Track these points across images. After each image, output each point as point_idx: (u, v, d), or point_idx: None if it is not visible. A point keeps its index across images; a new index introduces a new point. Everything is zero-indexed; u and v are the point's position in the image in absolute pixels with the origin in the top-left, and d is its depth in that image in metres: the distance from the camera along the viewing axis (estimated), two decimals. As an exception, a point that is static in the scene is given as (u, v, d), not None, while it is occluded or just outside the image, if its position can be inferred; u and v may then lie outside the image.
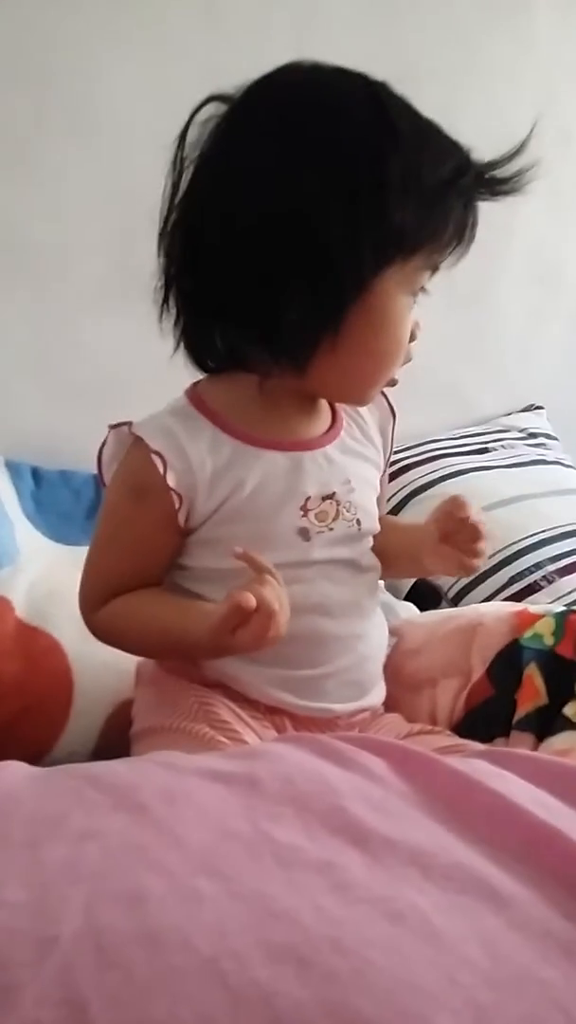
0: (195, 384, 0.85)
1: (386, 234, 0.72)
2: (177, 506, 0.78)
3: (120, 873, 0.48)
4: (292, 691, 0.83)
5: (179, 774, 0.57)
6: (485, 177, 0.75)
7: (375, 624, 0.90)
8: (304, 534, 0.81)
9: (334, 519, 0.83)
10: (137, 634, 0.81)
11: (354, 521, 0.84)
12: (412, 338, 0.80)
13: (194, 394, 0.83)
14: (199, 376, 0.84)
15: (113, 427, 0.81)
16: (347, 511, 0.84)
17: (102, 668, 0.99)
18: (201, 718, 0.80)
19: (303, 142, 0.71)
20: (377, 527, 0.89)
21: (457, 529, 0.84)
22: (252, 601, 0.69)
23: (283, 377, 0.78)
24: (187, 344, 0.81)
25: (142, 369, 1.19)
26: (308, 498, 0.81)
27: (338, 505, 0.83)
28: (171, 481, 0.77)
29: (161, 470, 0.76)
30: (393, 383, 0.84)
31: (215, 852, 0.50)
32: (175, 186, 0.77)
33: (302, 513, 0.81)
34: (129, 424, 0.80)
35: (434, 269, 0.78)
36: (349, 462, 0.86)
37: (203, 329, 0.80)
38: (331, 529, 0.83)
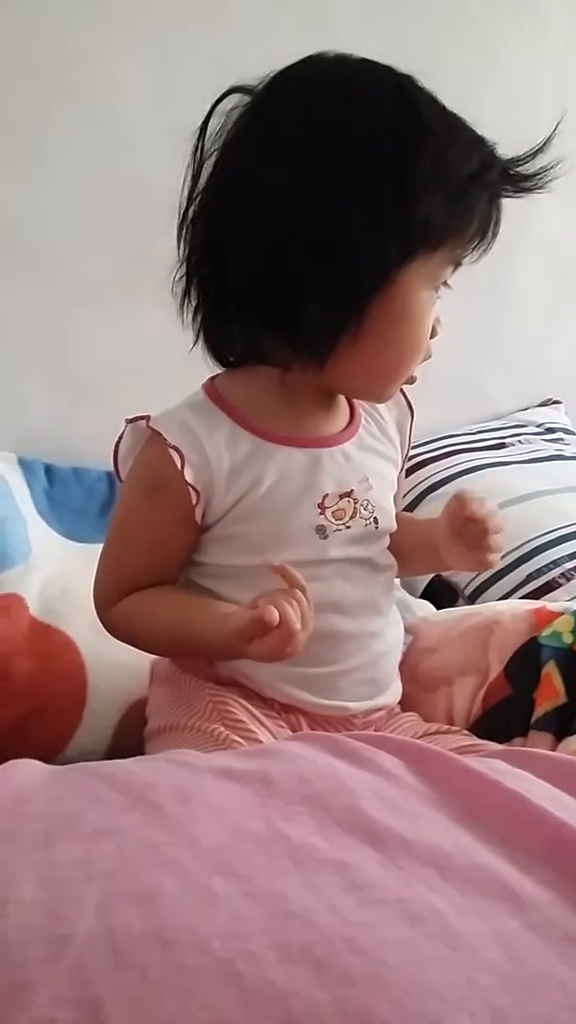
0: (212, 378, 0.84)
1: (411, 227, 0.71)
2: (194, 502, 0.77)
3: (134, 872, 0.48)
4: (308, 688, 0.82)
5: (194, 773, 0.57)
6: (510, 173, 0.75)
7: (390, 623, 0.89)
8: (321, 532, 0.81)
9: (351, 517, 0.82)
10: (152, 632, 0.81)
11: (371, 519, 0.84)
12: (433, 334, 0.79)
13: (211, 388, 0.83)
14: (215, 371, 0.84)
15: (130, 421, 0.81)
16: (364, 509, 0.83)
17: (116, 667, 0.99)
18: (216, 717, 0.80)
19: (328, 133, 0.71)
20: (394, 525, 0.88)
21: (466, 527, 0.83)
22: (276, 617, 0.68)
23: (303, 372, 0.77)
24: (206, 337, 0.80)
25: (155, 364, 1.19)
26: (326, 495, 0.81)
27: (355, 503, 0.82)
28: (189, 476, 0.76)
29: (179, 465, 0.76)
30: (412, 381, 0.83)
31: (230, 851, 0.49)
32: (195, 177, 0.76)
33: (319, 511, 0.81)
34: (147, 418, 0.79)
35: (456, 264, 0.77)
36: (367, 459, 0.85)
37: (223, 321, 0.79)
38: (348, 527, 0.82)
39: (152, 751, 0.83)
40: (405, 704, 0.92)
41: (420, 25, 1.51)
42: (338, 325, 0.73)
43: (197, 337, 0.80)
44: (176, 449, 0.76)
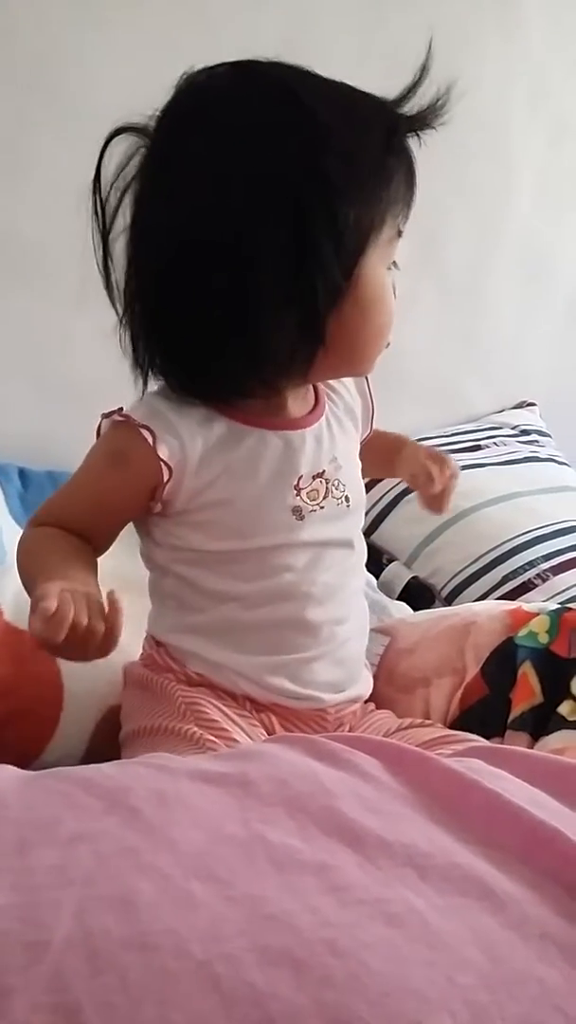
0: None
1: (348, 226, 0.72)
2: (165, 479, 0.78)
3: (112, 877, 0.47)
4: (285, 675, 0.83)
5: (171, 776, 0.57)
6: (410, 118, 0.76)
7: (357, 605, 0.90)
8: (297, 512, 0.82)
9: (324, 497, 0.84)
10: (26, 561, 0.80)
11: (343, 498, 0.85)
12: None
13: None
14: None
15: (105, 415, 0.82)
16: (336, 489, 0.85)
17: (92, 672, 0.98)
18: (189, 718, 0.80)
19: (234, 170, 0.72)
20: (364, 499, 0.90)
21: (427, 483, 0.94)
22: (51, 607, 0.65)
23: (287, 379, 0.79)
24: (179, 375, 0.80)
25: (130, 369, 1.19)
26: (300, 477, 0.82)
27: (327, 483, 0.84)
28: (162, 453, 0.77)
29: (151, 441, 0.77)
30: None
31: (208, 855, 0.49)
32: (104, 236, 0.79)
33: (295, 492, 0.82)
34: (119, 409, 0.81)
35: (399, 232, 0.79)
36: (335, 439, 0.87)
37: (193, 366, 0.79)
38: (322, 507, 0.83)
39: (128, 756, 0.83)
40: (382, 705, 0.92)
41: (400, 25, 1.51)
42: (311, 347, 0.75)
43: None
44: (147, 428, 0.77)
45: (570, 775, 0.59)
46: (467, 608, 1.02)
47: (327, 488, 0.84)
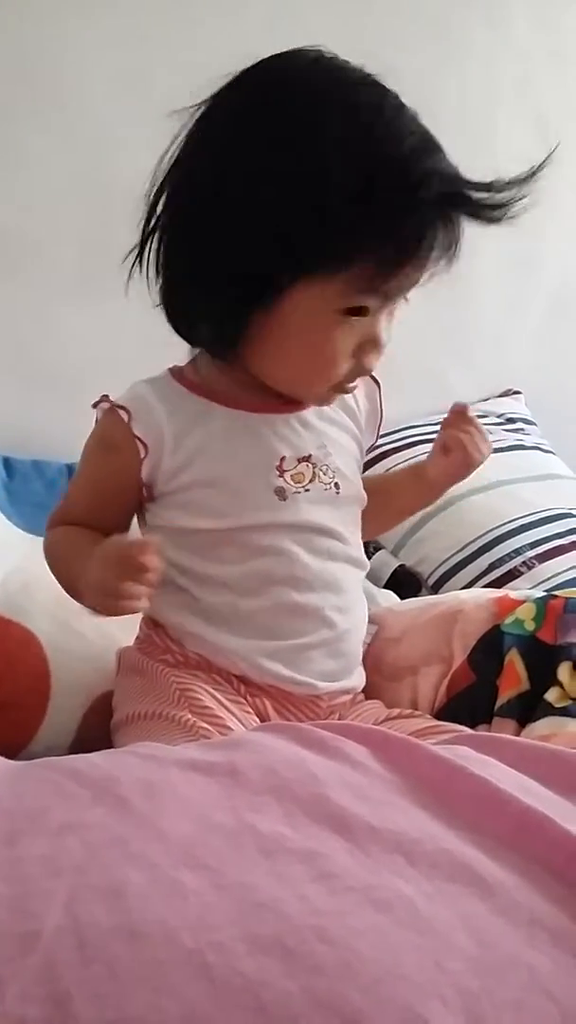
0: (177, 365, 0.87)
1: (287, 250, 0.72)
2: (143, 455, 0.80)
3: (101, 867, 0.47)
4: (282, 661, 0.83)
5: (160, 766, 0.57)
6: (453, 197, 0.73)
7: (356, 600, 0.90)
8: (280, 494, 0.83)
9: (310, 480, 0.85)
10: (55, 567, 0.85)
11: (332, 484, 0.86)
12: (368, 349, 0.78)
13: (174, 368, 0.87)
14: (173, 363, 0.86)
15: (95, 404, 0.84)
16: (324, 474, 0.85)
17: (79, 661, 0.98)
18: (183, 704, 0.80)
19: (256, 135, 0.72)
20: (359, 494, 0.90)
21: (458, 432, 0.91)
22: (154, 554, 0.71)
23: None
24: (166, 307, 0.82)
25: (115, 358, 1.18)
26: (283, 458, 0.83)
27: (314, 467, 0.85)
28: (137, 430, 0.80)
29: (126, 419, 0.80)
30: (346, 390, 0.83)
31: (198, 844, 0.49)
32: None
33: (278, 473, 0.83)
34: (105, 396, 0.83)
35: (378, 292, 0.75)
36: (326, 428, 0.87)
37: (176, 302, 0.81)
38: (307, 490, 0.84)
39: (119, 743, 0.83)
40: (370, 694, 0.92)
41: (386, 19, 1.51)
42: (233, 321, 0.76)
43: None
44: (123, 408, 0.80)
45: (557, 761, 0.59)
46: (454, 596, 1.02)
47: (314, 472, 0.85)
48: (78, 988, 0.40)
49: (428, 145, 0.73)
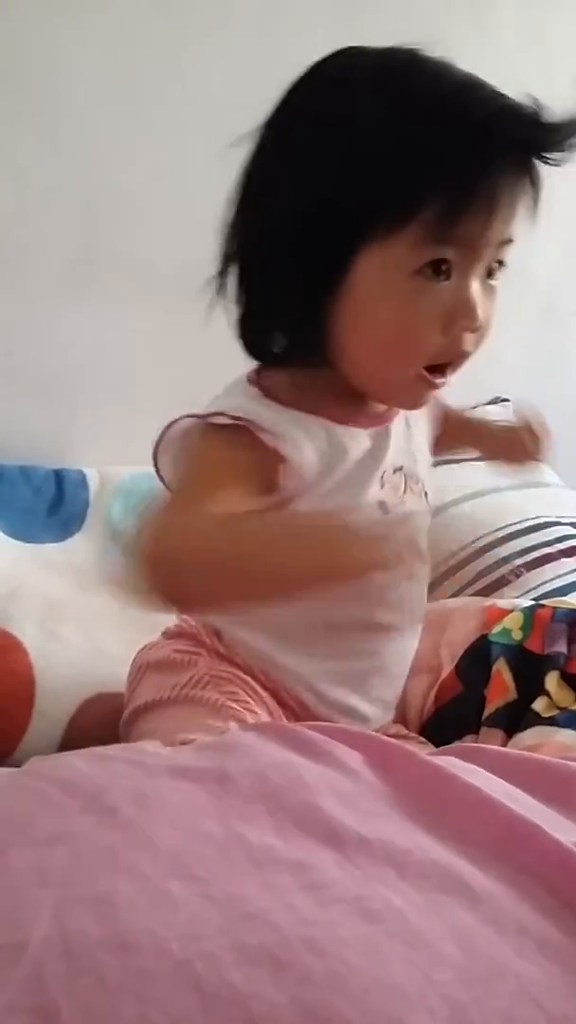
0: (256, 375, 0.78)
1: (345, 212, 0.67)
2: (280, 466, 0.72)
3: (90, 877, 0.47)
4: (349, 686, 0.82)
5: (149, 773, 0.56)
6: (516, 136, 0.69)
7: (419, 621, 0.88)
8: (383, 507, 0.79)
9: (404, 492, 0.82)
10: (260, 545, 0.64)
11: (422, 493, 0.84)
12: (457, 322, 0.72)
13: (258, 381, 0.77)
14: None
15: (168, 426, 0.74)
16: (415, 484, 0.83)
17: (65, 667, 0.98)
18: (211, 688, 0.78)
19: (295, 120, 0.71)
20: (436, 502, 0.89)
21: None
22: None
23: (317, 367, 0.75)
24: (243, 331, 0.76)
25: (103, 362, 1.18)
26: (384, 471, 0.80)
27: (406, 478, 0.82)
28: (268, 441, 0.71)
29: (254, 431, 0.71)
30: (435, 386, 0.77)
31: (187, 854, 0.49)
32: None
33: (380, 486, 0.79)
34: (191, 415, 0.73)
35: (458, 243, 0.69)
36: (412, 435, 0.85)
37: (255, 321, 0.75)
38: (403, 503, 0.81)
39: (133, 735, 0.81)
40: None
41: (372, 19, 1.51)
42: (310, 321, 0.71)
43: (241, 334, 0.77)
44: (249, 421, 0.71)
45: (545, 771, 0.59)
46: (441, 605, 1.02)
47: (406, 483, 0.82)
48: (66, 999, 0.40)
49: (472, 80, 0.71)
